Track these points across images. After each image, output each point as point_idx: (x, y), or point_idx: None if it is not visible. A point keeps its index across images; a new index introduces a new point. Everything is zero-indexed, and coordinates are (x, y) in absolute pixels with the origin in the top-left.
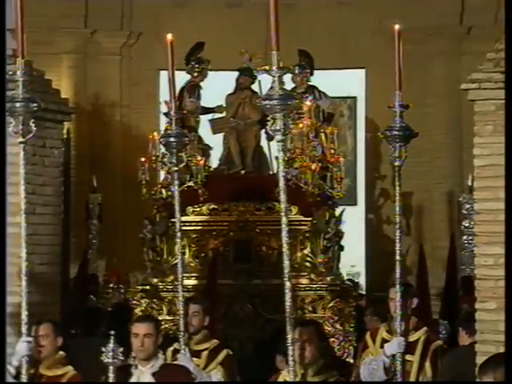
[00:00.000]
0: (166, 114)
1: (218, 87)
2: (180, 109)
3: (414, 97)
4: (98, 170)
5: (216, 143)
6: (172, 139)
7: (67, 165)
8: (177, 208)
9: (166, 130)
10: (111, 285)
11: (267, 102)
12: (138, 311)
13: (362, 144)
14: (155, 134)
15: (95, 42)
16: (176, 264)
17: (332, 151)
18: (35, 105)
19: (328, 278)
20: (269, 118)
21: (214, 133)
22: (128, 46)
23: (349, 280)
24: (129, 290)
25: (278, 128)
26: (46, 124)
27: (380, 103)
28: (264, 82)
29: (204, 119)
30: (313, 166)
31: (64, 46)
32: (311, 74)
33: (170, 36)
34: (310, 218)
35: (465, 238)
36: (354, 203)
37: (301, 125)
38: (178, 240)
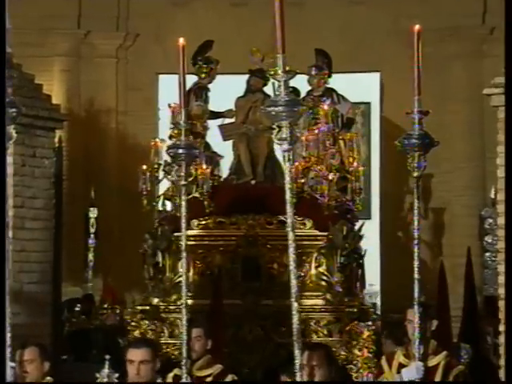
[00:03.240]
0: (175, 124)
1: (227, 89)
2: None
3: (432, 102)
4: (92, 181)
5: (225, 151)
6: (181, 151)
7: (59, 176)
8: (183, 225)
9: (170, 137)
10: (106, 305)
11: (272, 108)
12: (137, 334)
13: (376, 153)
14: (158, 140)
15: (89, 43)
16: (179, 282)
17: (351, 160)
18: (14, 110)
19: (345, 299)
20: (274, 126)
21: (225, 139)
22: (124, 48)
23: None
24: (125, 311)
25: (284, 137)
26: (36, 132)
27: (396, 109)
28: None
29: (212, 124)
30: (330, 176)
31: (56, 48)
32: (329, 75)
33: (182, 40)
34: (325, 233)
35: (488, 254)
36: (368, 217)
37: (317, 130)
38: (184, 256)
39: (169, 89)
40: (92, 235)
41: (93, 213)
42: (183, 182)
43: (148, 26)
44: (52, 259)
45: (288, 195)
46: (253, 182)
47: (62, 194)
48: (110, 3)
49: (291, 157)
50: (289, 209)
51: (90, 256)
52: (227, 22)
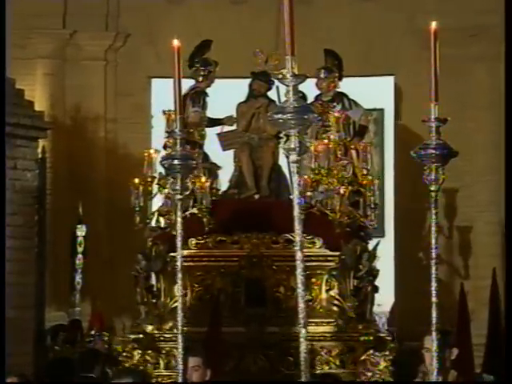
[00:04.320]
0: (170, 133)
1: (227, 94)
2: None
3: (450, 109)
4: (79, 195)
5: (225, 162)
6: (176, 162)
7: (42, 190)
8: (178, 244)
9: (165, 147)
10: (93, 332)
11: (280, 115)
12: (129, 365)
13: (390, 165)
14: (151, 151)
15: (75, 44)
16: (176, 308)
17: (365, 171)
18: None
19: (359, 326)
20: (282, 135)
21: (225, 149)
22: (114, 50)
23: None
24: (114, 339)
25: (292, 146)
26: (17, 142)
27: (412, 116)
28: (283, 89)
29: (211, 133)
30: (341, 190)
31: (39, 50)
32: (340, 78)
33: (176, 41)
34: (337, 253)
35: None
36: (382, 235)
37: (327, 140)
38: (179, 278)
39: (162, 94)
40: (80, 255)
41: (81, 230)
42: (179, 196)
43: (140, 25)
44: (34, 281)
45: (296, 211)
46: (256, 196)
47: (46, 209)
48: (99, 0)
49: (300, 169)
50: (297, 226)
51: (78, 278)
52: (227, 21)
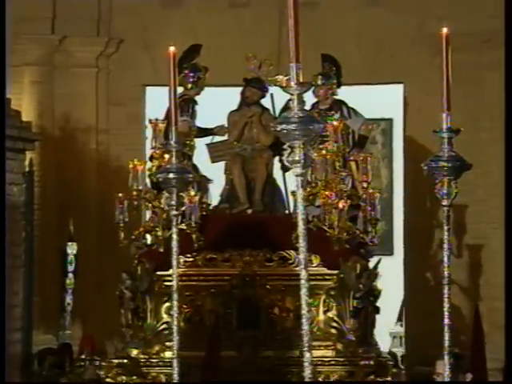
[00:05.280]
0: (165, 145)
1: (218, 102)
2: (167, 130)
3: (463, 119)
4: (68, 211)
5: (216, 174)
6: (172, 175)
7: (30, 205)
8: (174, 263)
9: (151, 158)
10: (83, 356)
11: (284, 126)
12: None
13: (399, 178)
14: (136, 161)
15: (65, 50)
16: (163, 330)
17: (365, 184)
18: None
19: (359, 349)
20: (285, 147)
21: (214, 161)
22: (106, 56)
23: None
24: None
25: (297, 159)
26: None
27: (422, 127)
28: (278, 96)
29: (200, 143)
30: (340, 204)
31: (26, 56)
32: (338, 85)
33: (172, 48)
34: (336, 271)
35: None
36: (390, 253)
37: (324, 151)
38: (175, 299)
39: (158, 103)
40: (70, 274)
41: (71, 248)
42: (175, 212)
43: (134, 30)
44: (22, 303)
45: (301, 226)
46: (249, 211)
47: (34, 225)
48: (90, 4)
49: (304, 182)
50: (302, 243)
51: (68, 299)
52: (226, 26)
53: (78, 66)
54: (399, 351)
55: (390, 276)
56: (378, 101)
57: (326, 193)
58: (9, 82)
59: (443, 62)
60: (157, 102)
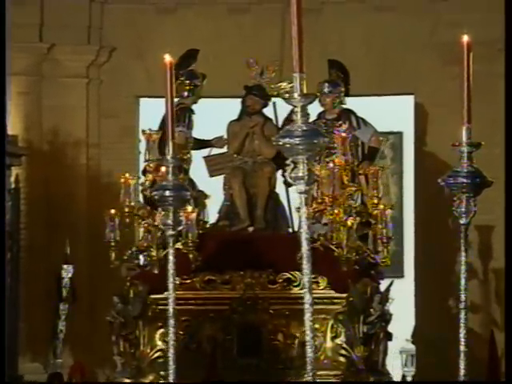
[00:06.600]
0: (161, 159)
1: (217, 111)
2: (162, 140)
3: (479, 132)
4: (57, 230)
5: (214, 189)
6: (168, 193)
7: (16, 224)
8: (170, 286)
9: (144, 172)
10: None
11: (286, 140)
12: None
13: (410, 195)
14: (128, 175)
15: (53, 59)
16: (157, 358)
17: (375, 200)
18: None
19: (371, 379)
20: (288, 162)
21: (212, 175)
22: (97, 66)
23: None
24: None
25: (300, 175)
26: None
27: (434, 140)
28: (281, 105)
29: (197, 156)
30: (349, 222)
31: (12, 66)
32: (346, 93)
33: (168, 57)
34: (344, 294)
35: None
36: (401, 275)
37: (331, 164)
38: (171, 326)
39: (152, 115)
40: (64, 299)
41: (66, 271)
42: (171, 232)
43: (126, 37)
44: (8, 329)
45: (305, 247)
46: (250, 228)
47: (20, 246)
48: (80, 10)
49: (309, 200)
50: (306, 264)
51: (61, 325)
52: (225, 32)
53: (68, 75)
54: (410, 371)
55: (400, 299)
56: (386, 113)
57: (334, 209)
58: None
59: (464, 72)
60: (151, 114)
